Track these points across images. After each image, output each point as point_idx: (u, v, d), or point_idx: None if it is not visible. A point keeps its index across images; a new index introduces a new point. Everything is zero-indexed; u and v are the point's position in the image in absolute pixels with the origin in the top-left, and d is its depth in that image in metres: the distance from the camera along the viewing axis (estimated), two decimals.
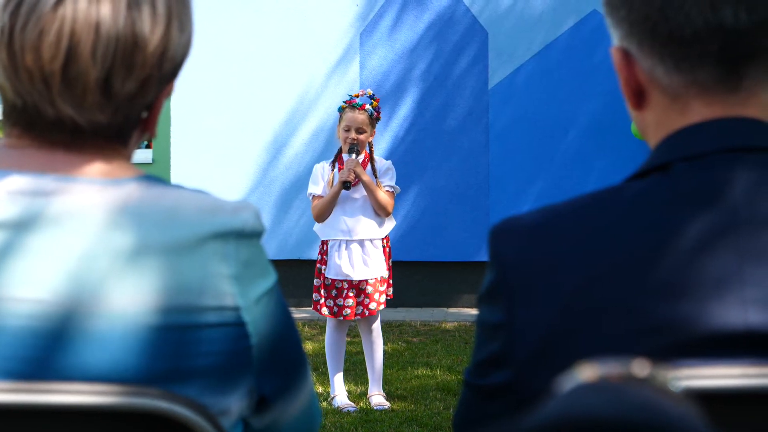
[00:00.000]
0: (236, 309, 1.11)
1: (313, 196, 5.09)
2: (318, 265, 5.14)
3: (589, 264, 1.00)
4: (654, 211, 1.00)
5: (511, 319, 1.03)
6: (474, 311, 8.00)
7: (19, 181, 1.09)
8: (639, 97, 1.08)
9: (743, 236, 0.97)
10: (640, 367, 0.80)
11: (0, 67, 1.11)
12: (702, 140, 1.04)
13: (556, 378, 0.96)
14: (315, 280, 5.14)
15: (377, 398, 5.16)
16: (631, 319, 0.97)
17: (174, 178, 8.18)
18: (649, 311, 0.96)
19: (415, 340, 6.98)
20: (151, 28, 1.11)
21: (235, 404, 1.13)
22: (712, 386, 0.92)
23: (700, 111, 1.05)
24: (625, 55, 1.07)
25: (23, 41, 1.09)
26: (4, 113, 1.15)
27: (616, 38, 1.09)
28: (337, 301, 5.06)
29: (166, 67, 1.13)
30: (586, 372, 0.81)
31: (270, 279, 1.17)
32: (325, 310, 5.08)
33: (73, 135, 1.13)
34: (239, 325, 1.11)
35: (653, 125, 1.09)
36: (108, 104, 1.11)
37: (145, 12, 1.11)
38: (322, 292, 5.09)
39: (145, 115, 1.17)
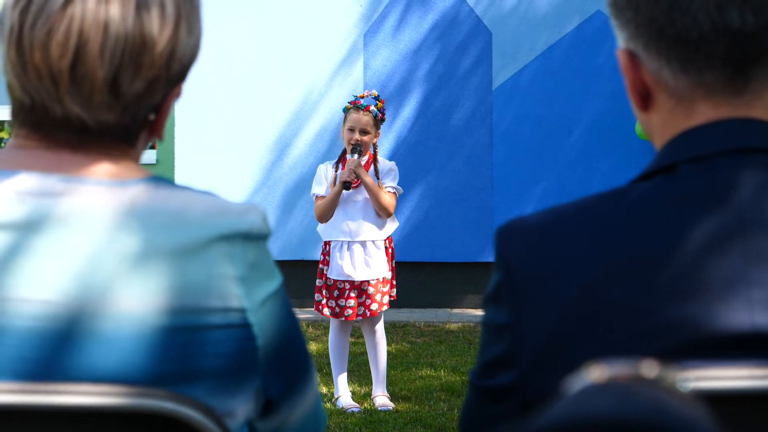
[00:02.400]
0: (242, 310, 1.11)
1: (316, 196, 5.09)
2: (320, 265, 5.14)
3: (595, 265, 1.00)
4: (660, 213, 1.00)
5: (516, 320, 1.03)
6: (478, 312, 8.00)
7: (26, 182, 1.09)
8: (645, 99, 1.08)
9: (750, 238, 0.97)
10: (649, 368, 0.80)
11: (9, 65, 1.12)
12: (707, 141, 1.04)
13: (563, 379, 0.96)
14: (317, 281, 5.13)
15: (381, 399, 5.16)
16: (638, 321, 0.97)
17: (178, 179, 8.18)
18: (655, 312, 0.96)
19: (419, 340, 6.98)
20: (159, 29, 1.11)
21: (241, 406, 1.13)
22: (718, 387, 0.92)
23: (705, 113, 1.05)
24: (631, 56, 1.07)
25: (32, 39, 1.09)
26: (13, 112, 1.15)
27: (621, 40, 1.09)
28: (338, 301, 5.06)
29: (174, 68, 1.14)
30: (595, 373, 0.81)
31: (276, 281, 1.17)
32: (326, 311, 5.08)
33: (80, 134, 1.13)
34: (245, 326, 1.11)
35: (659, 127, 1.09)
36: (116, 104, 1.11)
37: (154, 13, 1.11)
38: (323, 292, 5.09)
39: (152, 117, 1.18)
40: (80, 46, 1.09)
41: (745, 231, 0.97)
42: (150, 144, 1.24)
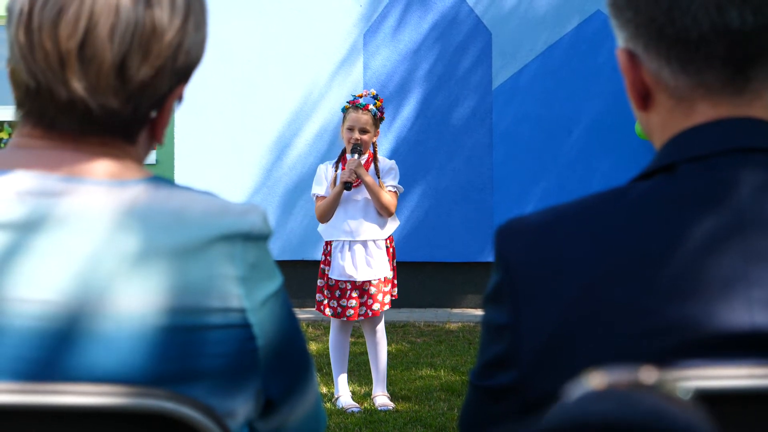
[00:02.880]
0: (242, 311, 1.11)
1: (317, 196, 5.09)
2: (322, 265, 5.13)
3: (595, 265, 1.00)
4: (659, 212, 1.00)
5: (516, 320, 1.03)
6: (478, 312, 8.01)
7: (26, 182, 1.09)
8: (644, 99, 1.08)
9: (749, 237, 0.97)
10: (648, 374, 0.80)
11: (16, 47, 1.12)
12: (707, 141, 1.04)
13: (563, 379, 0.96)
14: (318, 281, 5.13)
15: (381, 399, 5.15)
16: (638, 320, 0.96)
17: (177, 179, 8.18)
18: (655, 312, 0.96)
19: (419, 340, 6.98)
20: (169, 19, 1.12)
21: (241, 406, 1.13)
22: (718, 387, 0.92)
23: (705, 112, 1.05)
24: (631, 56, 1.07)
25: (42, 20, 1.10)
26: (17, 101, 1.16)
27: (621, 40, 1.09)
28: (340, 302, 5.05)
29: (180, 60, 1.14)
30: (594, 379, 0.81)
31: (276, 281, 1.17)
32: (328, 311, 5.07)
33: (82, 123, 1.13)
34: (245, 326, 1.11)
35: (658, 126, 1.09)
36: (121, 89, 1.12)
37: (165, 2, 1.12)
38: (325, 292, 5.09)
39: (154, 114, 1.18)
40: (90, 27, 1.09)
41: (744, 230, 0.97)
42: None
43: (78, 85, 1.10)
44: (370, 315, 5.04)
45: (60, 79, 1.10)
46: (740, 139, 1.03)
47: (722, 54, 1.02)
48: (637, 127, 7.60)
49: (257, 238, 1.14)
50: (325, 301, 5.08)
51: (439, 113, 8.29)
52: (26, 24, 1.11)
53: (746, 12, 1.01)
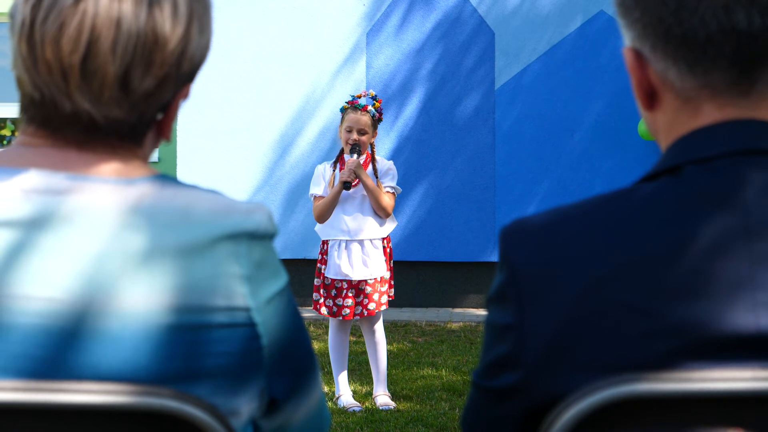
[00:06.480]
0: (247, 309, 1.11)
1: (315, 196, 5.09)
2: (318, 264, 5.13)
3: (599, 265, 1.00)
4: (664, 214, 1.00)
5: (521, 320, 1.03)
6: (479, 311, 8.00)
7: (32, 180, 1.09)
8: (651, 99, 1.08)
9: (755, 239, 0.97)
10: None
11: (19, 59, 1.12)
12: (713, 143, 1.03)
13: (567, 380, 0.96)
14: (315, 280, 5.13)
15: (382, 398, 5.16)
16: (641, 321, 0.97)
17: (180, 177, 8.18)
18: (660, 313, 0.96)
19: (420, 340, 6.98)
20: (171, 27, 1.11)
21: (245, 405, 1.13)
22: (722, 389, 0.92)
23: (711, 114, 1.05)
24: (638, 56, 1.07)
25: (43, 34, 1.09)
26: (22, 106, 1.16)
27: (628, 39, 1.09)
28: (336, 301, 5.05)
29: (184, 67, 1.14)
30: None
31: (281, 280, 1.17)
32: (324, 310, 5.07)
33: (87, 131, 1.13)
34: (250, 325, 1.11)
35: (664, 127, 1.09)
36: (125, 100, 1.11)
37: (167, 11, 1.11)
38: (321, 291, 5.09)
39: (160, 116, 1.18)
40: (92, 41, 1.09)
41: (750, 233, 0.97)
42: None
43: (81, 98, 1.10)
44: (365, 315, 5.04)
45: (63, 92, 1.10)
46: (746, 141, 1.03)
47: (729, 55, 1.02)
48: (640, 128, 7.60)
49: (263, 236, 1.14)
50: (321, 300, 5.08)
51: (442, 112, 8.29)
52: (28, 36, 1.10)
53: (753, 13, 1.01)
